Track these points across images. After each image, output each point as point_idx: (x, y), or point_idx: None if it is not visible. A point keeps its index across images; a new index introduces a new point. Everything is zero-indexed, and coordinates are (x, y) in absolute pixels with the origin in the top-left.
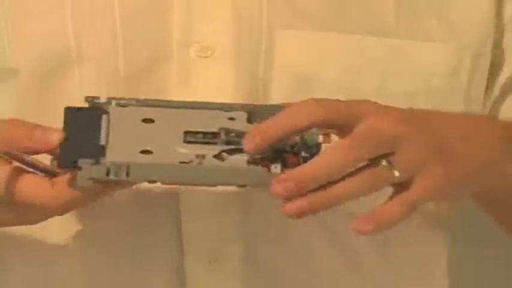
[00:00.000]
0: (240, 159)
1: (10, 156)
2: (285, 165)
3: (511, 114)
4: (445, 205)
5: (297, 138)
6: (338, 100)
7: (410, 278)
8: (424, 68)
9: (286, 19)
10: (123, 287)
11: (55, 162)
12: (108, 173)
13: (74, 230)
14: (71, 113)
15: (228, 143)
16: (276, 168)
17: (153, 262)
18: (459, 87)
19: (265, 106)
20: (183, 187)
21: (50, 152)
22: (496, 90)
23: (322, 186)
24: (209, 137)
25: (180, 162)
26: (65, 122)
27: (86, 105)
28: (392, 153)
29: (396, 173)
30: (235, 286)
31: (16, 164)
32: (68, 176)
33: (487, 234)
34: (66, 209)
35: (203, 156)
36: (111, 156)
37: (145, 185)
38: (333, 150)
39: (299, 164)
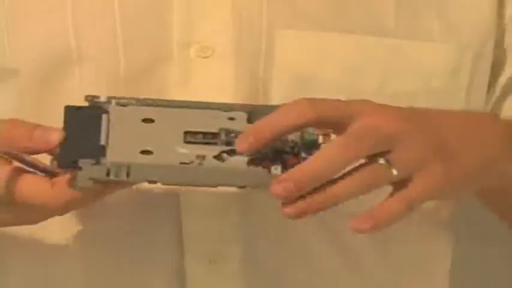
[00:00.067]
0: (240, 160)
1: (10, 156)
2: (285, 166)
3: None
4: (445, 203)
5: (297, 139)
6: (333, 99)
7: (410, 277)
8: (424, 68)
9: (286, 19)
10: (123, 287)
11: (55, 162)
12: (108, 174)
13: (74, 230)
14: (71, 112)
15: (228, 143)
16: (276, 169)
17: (153, 262)
18: (459, 87)
19: (265, 106)
20: (183, 188)
21: (50, 152)
22: (497, 90)
23: (321, 186)
24: (209, 138)
25: (181, 163)
26: (65, 121)
27: (86, 104)
28: (389, 152)
29: (394, 172)
30: (235, 287)
31: (16, 164)
32: (68, 176)
33: (491, 233)
34: (66, 209)
35: (203, 157)
36: (111, 157)
37: (146, 185)
38: (330, 148)
39: None
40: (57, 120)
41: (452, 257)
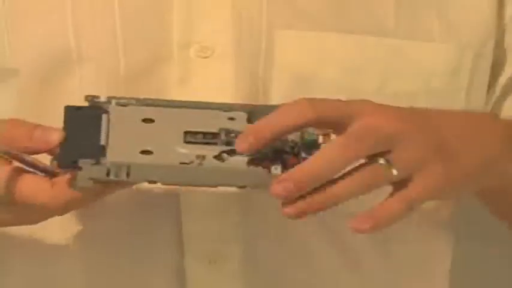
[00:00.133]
0: (240, 160)
1: (10, 156)
2: (285, 167)
3: None
4: (445, 203)
5: (297, 139)
6: (333, 99)
7: (410, 277)
8: (424, 68)
9: (286, 19)
10: (123, 287)
11: (55, 162)
12: (108, 174)
13: (74, 230)
14: (71, 112)
15: (228, 143)
16: (276, 169)
17: (153, 262)
18: (459, 87)
19: (265, 106)
20: (183, 188)
21: (50, 152)
22: (497, 90)
23: (321, 186)
24: (209, 138)
25: (181, 163)
26: (65, 121)
27: (86, 104)
28: (389, 152)
29: (394, 172)
30: (235, 287)
31: (16, 164)
32: (68, 176)
33: (491, 233)
34: (66, 209)
35: (203, 157)
36: (111, 157)
37: (146, 185)
38: (330, 148)
39: None
40: (57, 120)
41: (452, 257)
